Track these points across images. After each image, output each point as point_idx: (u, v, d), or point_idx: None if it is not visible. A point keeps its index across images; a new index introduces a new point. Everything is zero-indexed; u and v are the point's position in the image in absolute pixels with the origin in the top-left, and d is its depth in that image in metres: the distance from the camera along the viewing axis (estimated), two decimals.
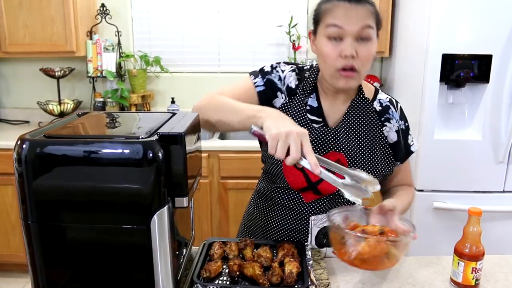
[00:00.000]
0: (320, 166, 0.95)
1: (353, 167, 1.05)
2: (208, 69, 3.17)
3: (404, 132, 1.28)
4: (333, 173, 1.01)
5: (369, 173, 1.19)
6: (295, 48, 3.00)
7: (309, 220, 1.24)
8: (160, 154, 0.82)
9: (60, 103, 2.98)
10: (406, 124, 1.30)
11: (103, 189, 0.83)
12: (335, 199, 1.23)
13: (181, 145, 0.84)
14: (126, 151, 0.81)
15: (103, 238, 0.88)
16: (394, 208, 1.06)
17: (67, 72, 2.99)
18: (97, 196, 0.84)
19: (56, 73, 2.95)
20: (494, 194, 2.37)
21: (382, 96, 1.29)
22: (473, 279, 1.05)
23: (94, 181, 0.83)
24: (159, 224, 0.84)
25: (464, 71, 2.26)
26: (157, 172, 0.82)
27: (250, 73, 1.27)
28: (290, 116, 1.21)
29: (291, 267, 1.02)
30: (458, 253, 1.07)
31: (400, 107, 1.30)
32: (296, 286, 0.99)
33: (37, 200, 0.84)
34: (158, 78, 3.17)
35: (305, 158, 0.94)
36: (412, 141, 1.32)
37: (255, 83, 1.24)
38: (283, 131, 0.93)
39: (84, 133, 0.95)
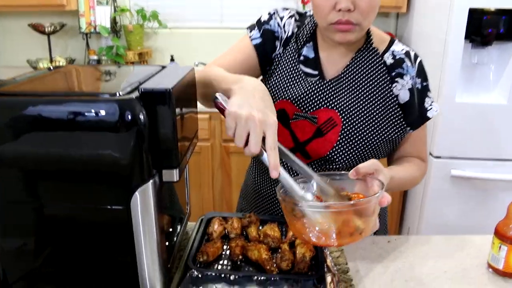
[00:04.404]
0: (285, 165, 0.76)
1: (324, 175, 0.84)
2: (210, 25, 2.96)
3: (420, 92, 1.07)
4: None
5: (370, 137, 1.02)
6: (304, 2, 2.76)
7: None
8: (141, 116, 0.65)
9: (51, 61, 2.79)
10: (425, 83, 1.08)
11: (71, 161, 0.66)
12: (327, 165, 1.06)
13: (168, 105, 0.67)
14: (99, 111, 0.64)
15: (76, 219, 0.72)
16: (376, 171, 0.83)
17: (58, 28, 2.78)
18: (64, 171, 0.67)
19: (46, 29, 2.75)
20: None
21: (397, 47, 1.08)
22: None
23: (59, 151, 0.66)
24: (142, 202, 0.68)
25: (492, 27, 2.04)
26: (138, 138, 0.65)
27: (248, 27, 1.12)
28: (281, 68, 1.06)
29: (304, 250, 0.86)
30: (500, 235, 0.90)
31: (420, 62, 1.08)
32: (309, 274, 0.84)
33: None
34: (156, 34, 2.97)
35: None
36: (430, 105, 1.10)
37: (251, 36, 1.09)
38: (244, 113, 0.74)
39: (50, 90, 0.77)
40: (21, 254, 0.74)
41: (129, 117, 0.63)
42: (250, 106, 0.75)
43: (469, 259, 0.99)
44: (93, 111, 0.64)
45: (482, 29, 2.05)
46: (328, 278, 0.80)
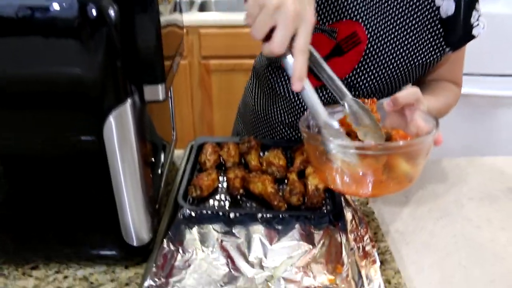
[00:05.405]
0: (314, 80, 0.60)
1: (357, 98, 0.65)
2: None
3: (467, 4, 0.87)
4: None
5: (401, 59, 0.86)
6: None
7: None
8: (111, 12, 0.46)
9: None
10: None
11: (21, 79, 0.49)
12: None
13: None
14: (50, 6, 0.45)
15: (37, 155, 0.55)
16: (417, 101, 0.66)
17: None
18: (15, 93, 0.50)
19: None
20: None
21: None
22: None
23: (4, 66, 0.48)
24: (119, 130, 0.51)
25: None
26: (109, 43, 0.47)
27: None
28: None
29: (317, 181, 0.73)
30: None
31: None
32: (324, 209, 0.71)
33: None
34: None
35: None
36: (477, 20, 0.90)
37: None
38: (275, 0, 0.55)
39: None
40: None
41: (94, 12, 0.45)
42: None
43: (493, 182, 0.88)
44: (41, 5, 0.45)
45: None
46: (348, 215, 0.68)
